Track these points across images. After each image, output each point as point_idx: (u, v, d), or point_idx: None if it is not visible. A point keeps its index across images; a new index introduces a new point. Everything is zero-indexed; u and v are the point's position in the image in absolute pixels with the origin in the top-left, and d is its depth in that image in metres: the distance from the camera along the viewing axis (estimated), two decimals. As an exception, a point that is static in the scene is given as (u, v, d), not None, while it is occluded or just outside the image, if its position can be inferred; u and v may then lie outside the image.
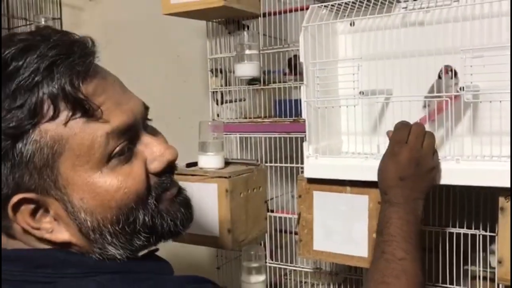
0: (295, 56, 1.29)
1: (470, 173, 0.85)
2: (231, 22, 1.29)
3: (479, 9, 0.91)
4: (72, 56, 0.53)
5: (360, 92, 0.93)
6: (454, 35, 0.93)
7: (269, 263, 1.27)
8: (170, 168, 0.60)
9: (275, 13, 1.24)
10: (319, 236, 1.02)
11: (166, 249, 0.65)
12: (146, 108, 0.61)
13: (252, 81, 1.26)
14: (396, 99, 0.96)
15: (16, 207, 0.54)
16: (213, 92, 1.32)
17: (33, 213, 0.54)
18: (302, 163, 1.17)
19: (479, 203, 1.03)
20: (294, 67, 1.31)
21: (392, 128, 0.88)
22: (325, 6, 1.01)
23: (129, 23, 1.74)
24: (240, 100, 1.32)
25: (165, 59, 1.69)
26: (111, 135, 0.54)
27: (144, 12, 1.67)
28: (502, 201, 0.84)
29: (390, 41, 1.00)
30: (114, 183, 0.55)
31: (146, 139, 0.59)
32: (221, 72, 1.33)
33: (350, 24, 1.07)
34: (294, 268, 1.26)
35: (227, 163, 1.20)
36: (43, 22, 1.65)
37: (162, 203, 0.59)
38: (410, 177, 0.81)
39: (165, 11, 1.15)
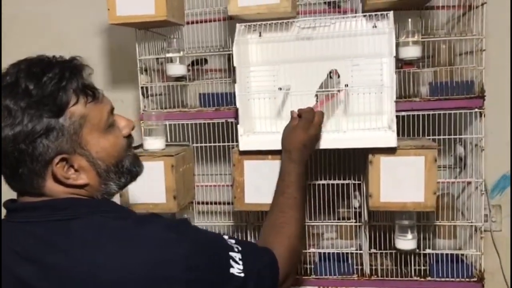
0: (196, 60, 1.63)
1: (352, 139, 1.31)
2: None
3: (348, 29, 1.37)
4: (76, 67, 0.83)
5: (279, 88, 1.32)
6: (334, 47, 1.38)
7: (197, 222, 1.60)
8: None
9: (192, 22, 1.57)
10: (249, 193, 1.39)
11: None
12: None
13: (179, 78, 1.56)
14: (300, 93, 1.37)
15: (55, 165, 0.80)
16: (142, 87, 1.58)
17: (63, 168, 0.81)
18: (223, 142, 1.53)
19: (348, 163, 1.52)
20: (192, 68, 1.66)
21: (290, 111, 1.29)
22: (249, 26, 1.38)
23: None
24: (161, 94, 1.60)
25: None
26: (109, 113, 0.85)
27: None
28: (371, 157, 1.32)
29: (288, 50, 1.42)
30: (113, 140, 0.86)
31: (116, 116, 0.89)
32: (146, 70, 1.60)
33: (259, 35, 1.45)
34: (218, 224, 1.62)
35: (163, 145, 1.49)
36: None
37: (131, 154, 0.91)
38: (310, 145, 1.22)
39: (111, 21, 1.39)
